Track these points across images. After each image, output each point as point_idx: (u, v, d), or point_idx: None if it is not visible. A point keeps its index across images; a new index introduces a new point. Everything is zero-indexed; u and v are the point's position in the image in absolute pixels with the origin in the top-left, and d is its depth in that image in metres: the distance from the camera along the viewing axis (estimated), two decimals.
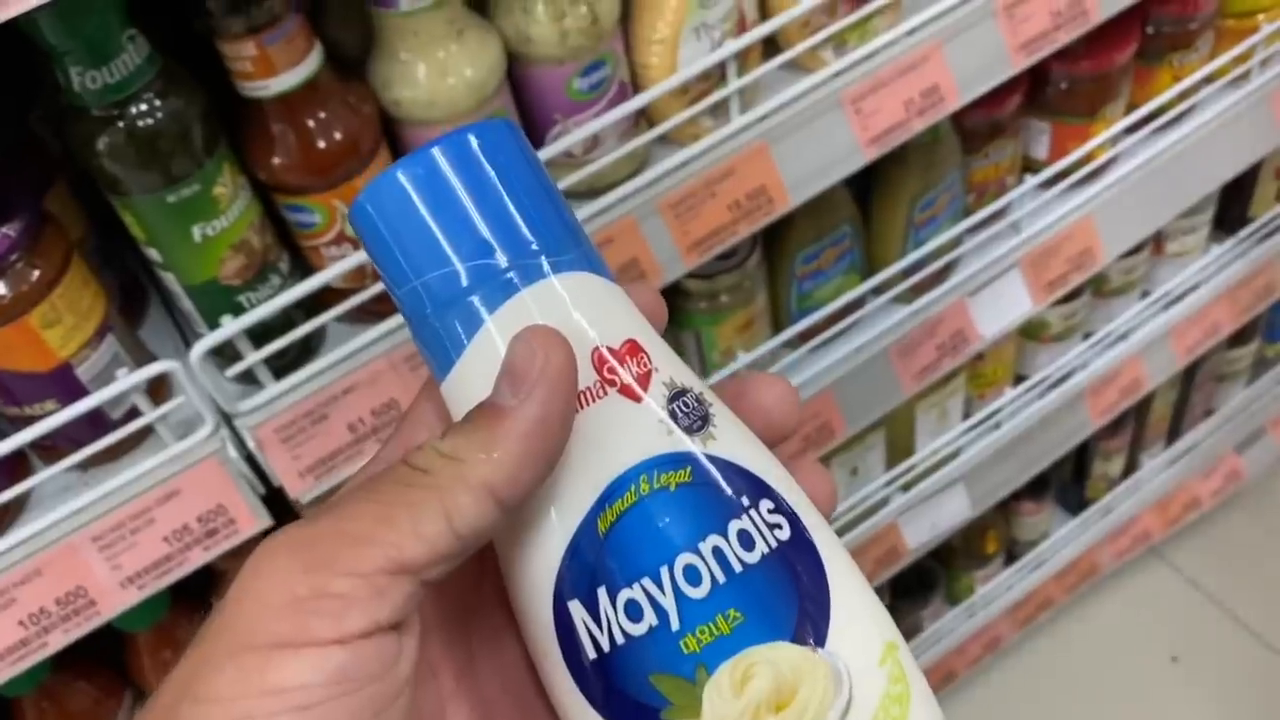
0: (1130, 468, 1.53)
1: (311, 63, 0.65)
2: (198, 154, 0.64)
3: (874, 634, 0.33)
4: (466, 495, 0.29)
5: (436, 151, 0.32)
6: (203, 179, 0.64)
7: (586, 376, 0.32)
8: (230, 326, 0.67)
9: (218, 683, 0.28)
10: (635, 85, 0.78)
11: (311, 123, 0.67)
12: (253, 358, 0.69)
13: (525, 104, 0.75)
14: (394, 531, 0.29)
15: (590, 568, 0.32)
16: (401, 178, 0.32)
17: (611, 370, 0.32)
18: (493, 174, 0.33)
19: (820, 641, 0.32)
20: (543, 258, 0.33)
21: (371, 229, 0.33)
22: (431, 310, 0.32)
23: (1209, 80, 1.05)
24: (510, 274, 0.32)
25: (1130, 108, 1.04)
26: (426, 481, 0.30)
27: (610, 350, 0.33)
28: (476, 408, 0.31)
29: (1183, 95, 1.04)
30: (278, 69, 0.64)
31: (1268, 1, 1.05)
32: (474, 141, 0.33)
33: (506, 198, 0.33)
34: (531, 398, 0.30)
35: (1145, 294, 1.28)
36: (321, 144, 0.67)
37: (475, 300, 0.32)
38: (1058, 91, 1.01)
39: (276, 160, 0.67)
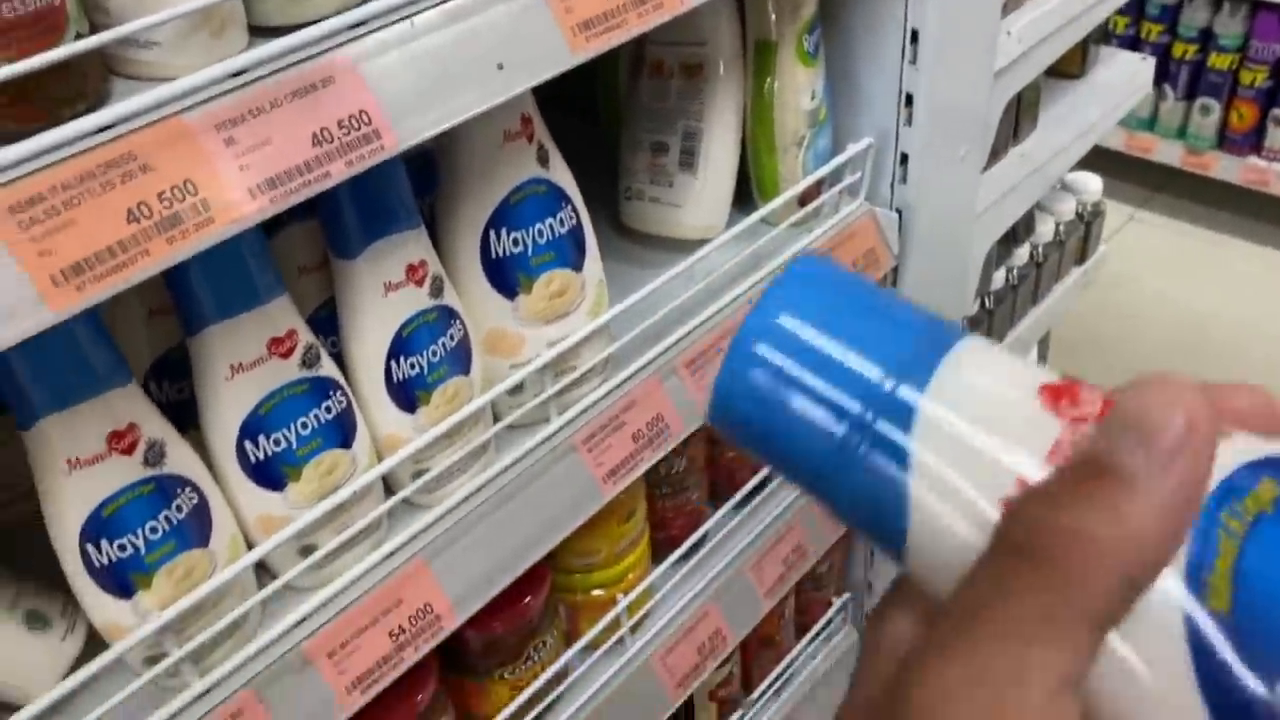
0: None
1: None
2: None
3: None
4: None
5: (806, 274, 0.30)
6: None
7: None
8: None
9: None
10: None
11: None
12: None
13: None
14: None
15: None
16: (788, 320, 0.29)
17: (1079, 418, 0.27)
18: (854, 283, 0.31)
19: None
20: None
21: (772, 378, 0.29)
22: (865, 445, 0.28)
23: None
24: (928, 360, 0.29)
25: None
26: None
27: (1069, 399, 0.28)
28: (1079, 465, 0.26)
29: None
30: None
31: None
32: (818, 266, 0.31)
33: (879, 298, 0.30)
34: (1173, 465, 0.25)
35: None
36: None
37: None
38: None
39: None
